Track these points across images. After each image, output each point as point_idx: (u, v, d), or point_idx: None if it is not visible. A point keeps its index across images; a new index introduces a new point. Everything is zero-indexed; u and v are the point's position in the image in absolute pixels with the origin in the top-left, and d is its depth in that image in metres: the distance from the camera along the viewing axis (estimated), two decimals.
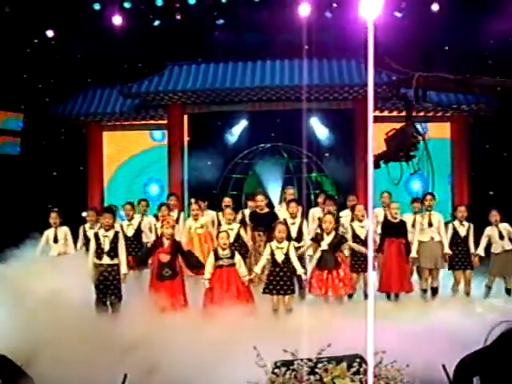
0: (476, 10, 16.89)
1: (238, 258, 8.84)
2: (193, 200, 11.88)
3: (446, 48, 18.48)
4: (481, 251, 10.38)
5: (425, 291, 10.36)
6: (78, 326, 7.45)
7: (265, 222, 10.56)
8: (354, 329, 7.46)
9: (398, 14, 18.18)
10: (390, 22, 17.95)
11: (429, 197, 10.64)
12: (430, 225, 10.38)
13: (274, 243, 8.88)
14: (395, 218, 10.31)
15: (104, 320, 8.31)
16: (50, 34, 18.38)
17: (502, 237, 10.25)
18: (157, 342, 6.97)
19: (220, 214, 11.36)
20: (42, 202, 18.00)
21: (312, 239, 9.43)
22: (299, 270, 9.06)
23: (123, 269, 8.98)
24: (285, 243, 8.84)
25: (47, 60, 18.36)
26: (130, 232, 11.03)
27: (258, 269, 9.02)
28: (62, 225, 10.94)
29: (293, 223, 10.30)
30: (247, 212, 11.40)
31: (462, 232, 10.34)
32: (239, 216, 11.32)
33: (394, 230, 10.25)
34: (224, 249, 8.67)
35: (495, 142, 18.03)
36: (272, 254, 8.81)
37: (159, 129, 19.14)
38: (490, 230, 10.37)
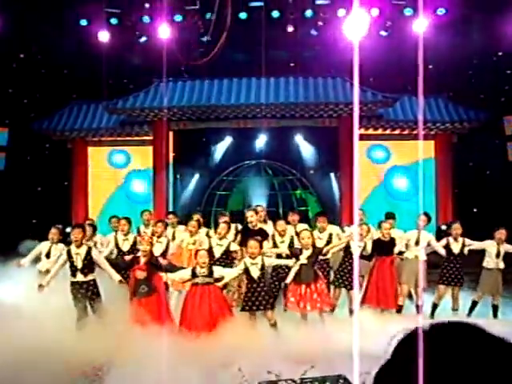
0: (459, 30, 17.10)
1: (219, 272, 8.82)
2: (195, 217, 11.74)
3: (430, 67, 18.66)
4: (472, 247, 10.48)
5: (400, 307, 10.40)
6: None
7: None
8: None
9: (383, 33, 18.35)
10: (376, 40, 18.20)
11: (422, 217, 10.69)
12: (417, 243, 10.44)
13: (247, 259, 8.87)
14: (386, 237, 10.33)
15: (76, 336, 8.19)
16: (35, 49, 18.39)
17: (498, 255, 10.35)
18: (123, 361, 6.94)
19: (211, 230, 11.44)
20: (26, 216, 17.97)
21: (292, 254, 9.42)
22: (286, 261, 9.26)
23: (116, 278, 8.86)
24: (259, 258, 8.85)
25: (33, 75, 18.35)
26: (126, 247, 10.91)
27: (227, 279, 8.97)
28: (61, 242, 10.73)
29: (282, 241, 10.35)
30: (239, 227, 11.34)
31: (456, 249, 10.39)
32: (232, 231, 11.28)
33: (385, 249, 10.28)
34: (202, 267, 8.66)
35: (479, 160, 18.19)
36: (247, 270, 8.81)
37: (144, 145, 19.11)
38: (490, 245, 10.41)
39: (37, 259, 10.56)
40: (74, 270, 8.76)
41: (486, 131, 17.79)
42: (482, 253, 10.59)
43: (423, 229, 10.62)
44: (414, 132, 18.49)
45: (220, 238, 10.60)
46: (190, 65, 18.26)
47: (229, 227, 10.97)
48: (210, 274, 8.64)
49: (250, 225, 10.91)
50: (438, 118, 18.08)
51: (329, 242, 10.18)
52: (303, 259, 8.97)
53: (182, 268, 9.14)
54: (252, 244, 8.90)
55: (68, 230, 11.01)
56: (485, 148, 17.84)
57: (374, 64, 17.76)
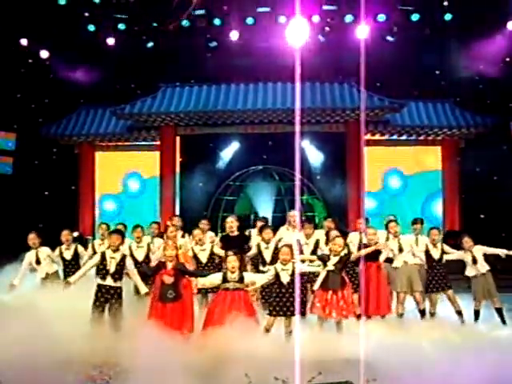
0: (466, 35, 17.10)
1: (249, 278, 8.87)
2: (173, 221, 11.73)
3: (437, 72, 18.67)
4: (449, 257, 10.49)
5: (401, 315, 10.36)
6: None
7: (236, 245, 10.56)
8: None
9: (390, 39, 18.38)
10: (383, 46, 18.23)
11: (392, 224, 10.68)
12: (401, 250, 10.44)
13: (278, 265, 8.91)
14: (371, 243, 10.32)
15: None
16: (44, 54, 18.47)
17: (475, 261, 10.32)
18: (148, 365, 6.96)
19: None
20: (33, 221, 18.00)
21: (318, 259, 9.47)
22: (316, 266, 9.29)
23: (142, 289, 8.89)
24: (289, 265, 8.90)
25: (41, 80, 18.43)
26: (140, 255, 10.90)
27: (258, 284, 9.06)
28: (42, 245, 10.78)
29: (266, 248, 10.37)
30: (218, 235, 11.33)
31: (436, 255, 10.37)
32: (212, 239, 11.26)
33: (370, 255, 10.26)
34: (233, 272, 8.71)
35: (486, 166, 18.16)
36: (277, 276, 8.86)
37: (151, 150, 19.19)
38: (463, 255, 10.41)
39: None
40: (104, 274, 8.77)
41: (493, 136, 17.77)
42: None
43: (399, 235, 10.57)
44: (421, 138, 18.50)
45: (201, 244, 10.65)
46: (161, 30, 18.30)
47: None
48: (241, 279, 8.68)
49: (229, 232, 10.92)
50: (444, 124, 18.08)
51: (316, 248, 10.11)
52: (330, 265, 8.99)
53: (209, 273, 9.17)
54: (284, 250, 8.94)
55: (75, 234, 11.03)
56: (492, 153, 17.81)
57: (381, 69, 17.82)
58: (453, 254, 10.57)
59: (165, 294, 8.57)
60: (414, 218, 11.33)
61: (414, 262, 10.42)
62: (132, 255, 10.68)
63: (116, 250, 8.90)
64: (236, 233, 10.89)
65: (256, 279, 8.98)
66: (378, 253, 10.29)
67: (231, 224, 10.89)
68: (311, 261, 9.76)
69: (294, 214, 11.27)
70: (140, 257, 10.73)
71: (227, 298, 8.56)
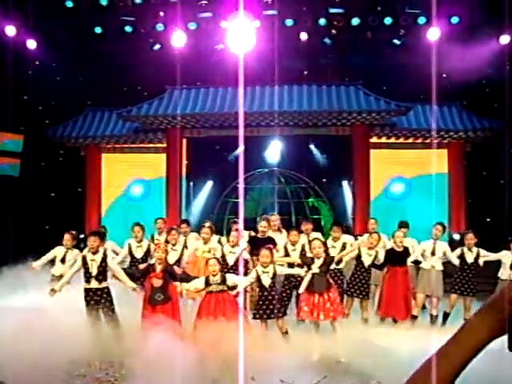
0: (473, 38, 17.08)
1: (231, 280, 8.86)
2: (207, 224, 11.74)
3: (444, 75, 18.64)
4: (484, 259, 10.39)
5: (415, 317, 10.35)
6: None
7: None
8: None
9: (396, 42, 18.37)
10: (390, 49, 18.23)
11: (439, 227, 10.65)
12: (433, 254, 10.42)
13: (259, 268, 8.91)
14: (399, 247, 10.31)
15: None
16: (51, 57, 18.51)
17: None
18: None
19: (223, 237, 11.54)
20: (40, 222, 18.06)
21: (303, 263, 9.44)
22: (298, 270, 9.29)
23: (130, 285, 8.87)
24: (270, 267, 8.88)
25: (48, 82, 18.46)
26: (139, 254, 10.99)
27: (240, 287, 9.03)
28: (74, 248, 10.85)
29: (293, 250, 10.38)
30: (252, 234, 11.38)
31: (469, 259, 10.33)
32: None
33: (398, 259, 10.25)
34: (214, 275, 8.71)
35: (492, 169, 18.12)
36: (258, 279, 8.85)
37: (157, 152, 19.20)
38: (505, 256, 10.35)
39: (49, 264, 10.67)
40: (88, 277, 8.78)
41: (499, 140, 17.73)
42: (498, 263, 10.52)
43: (439, 239, 10.57)
44: (427, 141, 18.45)
45: (232, 246, 10.62)
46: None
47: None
48: (224, 281, 8.69)
49: (259, 234, 10.96)
50: (451, 127, 18.03)
51: (342, 251, 10.16)
52: (315, 268, 8.94)
53: (196, 277, 9.16)
54: (264, 253, 8.93)
55: (82, 236, 11.09)
56: (498, 157, 17.77)
57: (388, 72, 17.83)
58: (491, 256, 10.52)
59: (153, 296, 8.62)
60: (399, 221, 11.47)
61: (441, 268, 10.48)
62: (130, 252, 10.85)
63: (95, 252, 8.88)
64: (266, 235, 10.94)
65: (237, 281, 8.97)
66: (405, 256, 10.30)
67: (263, 228, 10.95)
68: (291, 264, 9.79)
69: (277, 218, 11.48)
70: (138, 255, 10.96)
71: (211, 301, 8.61)
